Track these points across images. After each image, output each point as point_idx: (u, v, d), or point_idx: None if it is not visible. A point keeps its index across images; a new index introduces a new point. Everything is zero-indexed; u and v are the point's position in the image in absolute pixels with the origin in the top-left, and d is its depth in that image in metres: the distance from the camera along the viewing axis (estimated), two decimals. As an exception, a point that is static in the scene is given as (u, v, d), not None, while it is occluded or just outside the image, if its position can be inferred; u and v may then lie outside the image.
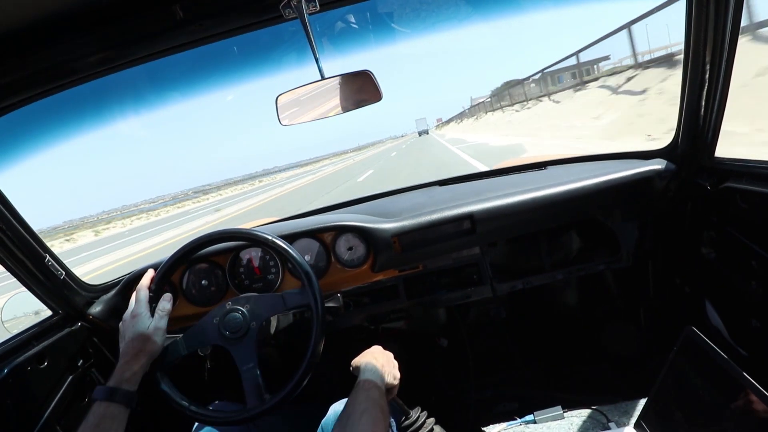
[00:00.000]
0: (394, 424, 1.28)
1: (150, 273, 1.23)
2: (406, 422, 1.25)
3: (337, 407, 1.21)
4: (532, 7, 1.45)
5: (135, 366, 1.08)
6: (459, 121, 63.86)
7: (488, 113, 35.79)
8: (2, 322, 1.45)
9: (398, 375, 1.19)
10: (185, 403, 1.14)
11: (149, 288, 1.20)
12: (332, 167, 46.29)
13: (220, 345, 1.17)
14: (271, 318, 1.32)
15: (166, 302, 1.19)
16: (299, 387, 1.11)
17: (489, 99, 38.89)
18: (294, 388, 1.10)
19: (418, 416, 1.26)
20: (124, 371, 1.06)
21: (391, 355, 1.22)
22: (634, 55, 12.72)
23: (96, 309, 1.52)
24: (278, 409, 1.11)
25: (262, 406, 1.10)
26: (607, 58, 16.17)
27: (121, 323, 1.15)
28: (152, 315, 1.15)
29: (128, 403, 1.03)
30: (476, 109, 46.83)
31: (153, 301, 1.18)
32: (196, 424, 1.22)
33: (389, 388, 1.14)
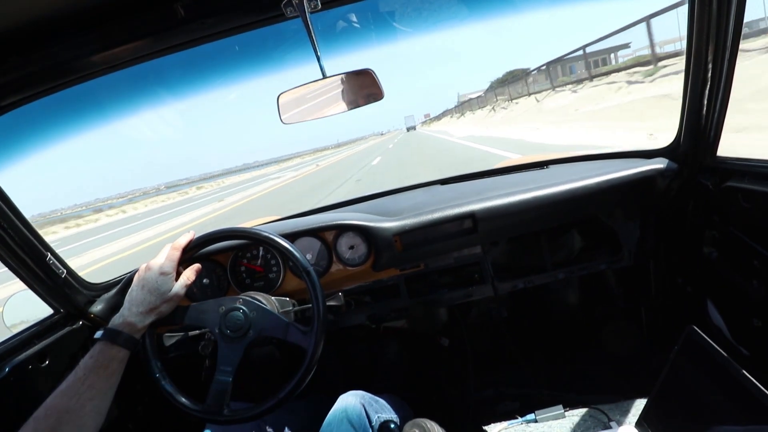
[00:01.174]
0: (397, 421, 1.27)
1: (189, 235, 1.21)
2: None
3: (346, 399, 1.20)
4: (530, 5, 1.45)
5: (147, 320, 1.09)
6: (458, 114, 53.41)
7: (521, 99, 24.51)
8: (3, 321, 1.45)
9: None
10: (157, 374, 1.14)
11: (183, 250, 1.18)
12: (285, 175, 33.14)
13: (212, 334, 1.15)
14: None
15: (193, 272, 1.18)
16: (285, 402, 1.10)
17: (503, 87, 31.52)
18: (265, 411, 1.10)
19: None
20: (137, 323, 1.07)
21: None
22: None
23: (97, 307, 1.52)
24: (235, 423, 1.11)
25: (216, 416, 1.10)
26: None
27: (144, 268, 1.14)
28: (177, 279, 1.14)
29: (132, 347, 1.06)
30: (482, 99, 38.08)
31: (180, 264, 1.17)
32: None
33: None
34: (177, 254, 1.16)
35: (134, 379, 1.21)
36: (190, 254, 1.20)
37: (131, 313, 1.08)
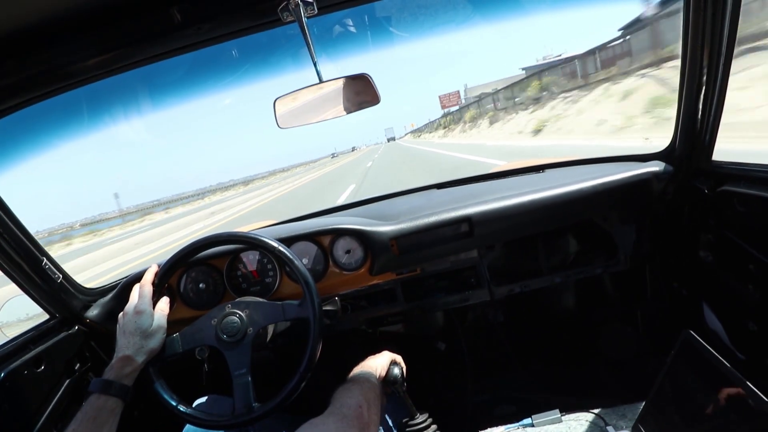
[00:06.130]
0: (390, 422, 1.28)
1: (154, 268, 1.24)
2: (410, 422, 1.25)
3: None
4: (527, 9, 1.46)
5: (135, 363, 1.09)
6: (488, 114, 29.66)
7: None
8: None
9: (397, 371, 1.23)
10: (173, 403, 1.14)
11: (153, 283, 1.20)
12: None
13: (215, 347, 1.16)
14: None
15: (165, 304, 1.19)
16: (290, 398, 1.10)
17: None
18: (284, 399, 1.10)
19: (423, 420, 1.26)
20: (124, 366, 1.07)
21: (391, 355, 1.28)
22: None
23: (93, 312, 1.51)
24: (266, 417, 1.11)
25: (249, 415, 1.10)
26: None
27: (121, 316, 1.15)
28: (154, 312, 1.15)
29: (124, 396, 1.05)
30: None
31: (155, 296, 1.18)
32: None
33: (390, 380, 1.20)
34: (148, 289, 1.18)
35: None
36: (161, 284, 1.22)
37: (119, 359, 1.08)
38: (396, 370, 1.22)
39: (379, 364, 1.21)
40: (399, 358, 1.28)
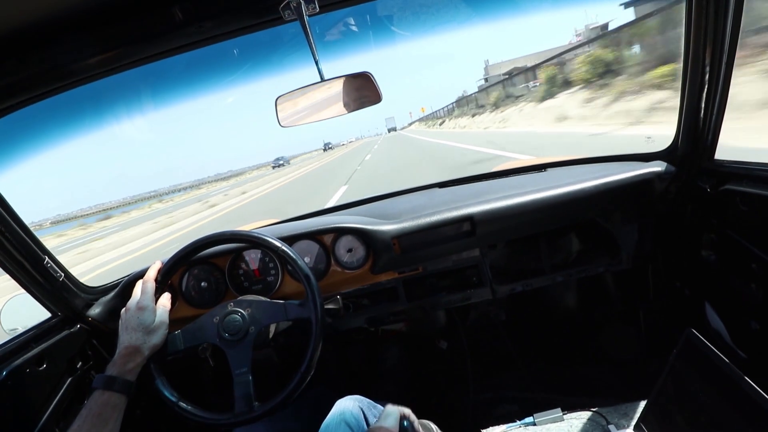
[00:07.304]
0: None
1: (157, 265, 1.24)
2: None
3: (344, 403, 1.20)
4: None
5: (138, 358, 1.09)
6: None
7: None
8: (1, 324, 1.44)
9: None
10: (174, 400, 1.15)
11: (156, 280, 1.20)
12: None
13: (216, 345, 1.16)
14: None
15: (167, 300, 1.20)
16: (291, 398, 1.10)
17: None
18: (286, 398, 1.10)
19: None
20: (127, 362, 1.08)
21: None
22: None
23: (95, 311, 1.51)
24: (267, 416, 1.11)
25: (250, 414, 1.10)
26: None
27: (124, 312, 1.15)
28: (156, 309, 1.15)
29: (128, 392, 1.05)
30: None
31: (157, 293, 1.18)
32: None
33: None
34: (150, 286, 1.18)
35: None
36: (164, 281, 1.22)
37: (121, 355, 1.09)
38: (406, 424, 1.10)
39: (387, 426, 1.07)
40: (407, 410, 1.13)
